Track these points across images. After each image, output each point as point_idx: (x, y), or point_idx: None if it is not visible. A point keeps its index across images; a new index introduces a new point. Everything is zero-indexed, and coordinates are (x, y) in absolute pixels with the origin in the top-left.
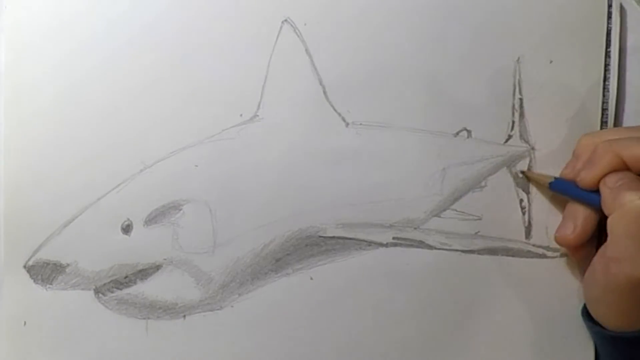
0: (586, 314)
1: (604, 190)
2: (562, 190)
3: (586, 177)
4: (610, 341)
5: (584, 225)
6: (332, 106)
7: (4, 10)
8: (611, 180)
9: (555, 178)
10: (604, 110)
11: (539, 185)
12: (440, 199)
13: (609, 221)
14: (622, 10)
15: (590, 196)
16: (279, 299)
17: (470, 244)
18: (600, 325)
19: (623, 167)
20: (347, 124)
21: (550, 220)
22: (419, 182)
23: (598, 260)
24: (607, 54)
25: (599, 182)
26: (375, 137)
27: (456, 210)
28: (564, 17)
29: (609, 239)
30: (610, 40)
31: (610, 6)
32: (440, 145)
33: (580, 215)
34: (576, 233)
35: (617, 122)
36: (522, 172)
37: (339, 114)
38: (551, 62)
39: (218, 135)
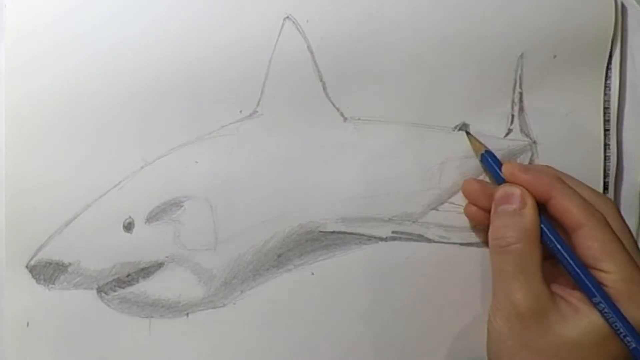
0: None
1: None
2: (487, 168)
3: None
4: None
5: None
6: (331, 102)
7: (4, 10)
8: (495, 203)
9: (487, 151)
10: (606, 109)
11: (475, 148)
12: (438, 193)
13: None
14: (623, 9)
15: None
16: (281, 295)
17: (469, 237)
18: None
19: None
20: (346, 119)
21: None
22: (417, 176)
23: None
24: (610, 52)
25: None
26: (373, 131)
27: (454, 204)
28: (569, 12)
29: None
30: (614, 38)
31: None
32: (439, 139)
33: (481, 200)
34: (477, 216)
35: (619, 122)
36: (466, 132)
37: (338, 110)
38: (555, 57)
39: (218, 131)
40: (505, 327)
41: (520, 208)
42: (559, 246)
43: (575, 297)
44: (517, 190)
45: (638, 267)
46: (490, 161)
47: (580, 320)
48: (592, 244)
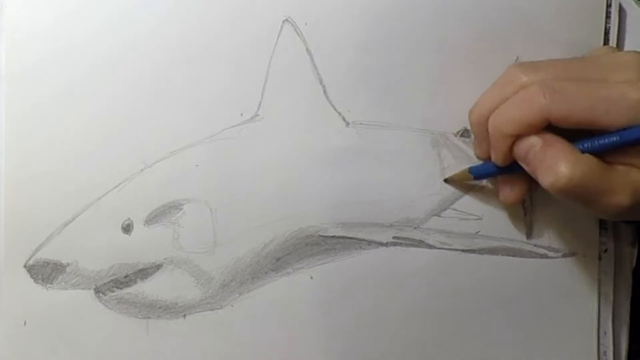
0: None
1: (523, 166)
2: (486, 174)
3: (497, 159)
4: None
5: (520, 187)
6: (332, 106)
7: (4, 10)
8: (519, 152)
9: (470, 168)
10: None
11: (465, 181)
12: (440, 199)
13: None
14: (621, 10)
15: (511, 169)
16: (279, 298)
17: (470, 244)
18: None
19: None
20: (348, 124)
21: (554, 220)
22: (419, 181)
23: None
24: None
25: (510, 155)
26: (375, 136)
27: (456, 210)
28: (563, 16)
29: None
30: (608, 40)
31: (609, 6)
32: (441, 145)
33: (513, 180)
34: (516, 196)
35: None
36: (445, 181)
37: (339, 114)
38: None
39: (218, 134)
40: None
41: (545, 144)
42: (604, 139)
43: None
44: (531, 139)
45: None
46: (480, 168)
47: None
48: (574, 120)
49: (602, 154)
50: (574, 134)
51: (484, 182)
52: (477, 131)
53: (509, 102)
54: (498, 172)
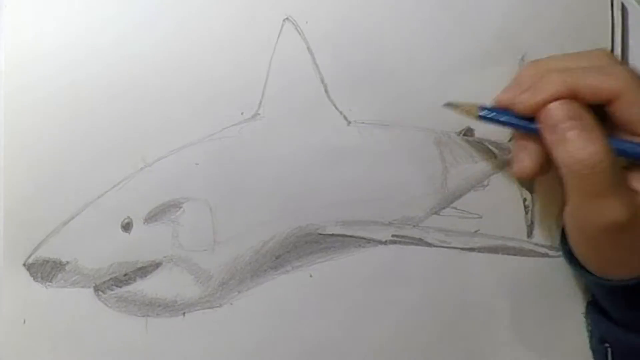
0: (576, 262)
1: (547, 128)
2: (494, 119)
3: (526, 101)
4: (609, 291)
5: (539, 157)
6: (333, 104)
7: (4, 10)
8: (553, 116)
9: (483, 107)
10: None
11: (466, 115)
12: (440, 197)
13: (562, 173)
14: (623, 9)
15: (527, 124)
16: (278, 296)
17: (469, 242)
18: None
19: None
20: (349, 123)
21: (555, 219)
22: (420, 180)
23: (568, 217)
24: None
25: (539, 108)
26: (376, 135)
27: (456, 209)
28: (568, 16)
29: (567, 195)
30: (614, 39)
31: (611, 6)
32: (443, 144)
33: (532, 146)
34: (533, 166)
35: None
36: (447, 104)
37: (341, 113)
38: None
39: (219, 133)
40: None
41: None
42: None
43: None
44: (566, 106)
45: None
46: (491, 110)
47: None
48: (635, 113)
49: None
50: None
51: (485, 181)
52: (524, 78)
53: (589, 67)
54: (506, 121)
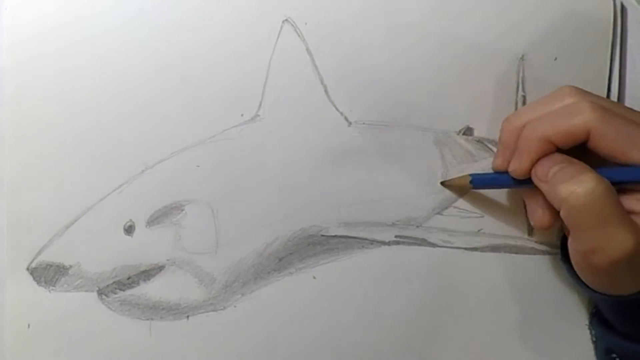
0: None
1: (539, 184)
2: (487, 184)
3: (518, 169)
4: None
5: (548, 203)
6: (334, 105)
7: (4, 10)
8: (541, 171)
9: (472, 176)
10: None
11: (462, 187)
12: (442, 197)
13: (561, 215)
14: (623, 9)
15: (520, 182)
16: (281, 298)
17: (472, 242)
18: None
19: (552, 148)
20: (350, 123)
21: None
22: (421, 180)
23: (574, 254)
24: (611, 53)
25: (530, 169)
26: (377, 136)
27: (458, 208)
28: (568, 16)
29: (570, 233)
30: (614, 39)
31: (612, 6)
32: (443, 144)
33: (540, 198)
34: (548, 213)
35: None
36: (442, 183)
37: (341, 113)
38: (556, 59)
39: (219, 135)
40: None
41: (569, 162)
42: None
43: None
44: (556, 156)
45: None
46: (482, 177)
47: None
48: (610, 143)
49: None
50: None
51: None
52: (507, 139)
53: (555, 112)
54: (501, 184)
